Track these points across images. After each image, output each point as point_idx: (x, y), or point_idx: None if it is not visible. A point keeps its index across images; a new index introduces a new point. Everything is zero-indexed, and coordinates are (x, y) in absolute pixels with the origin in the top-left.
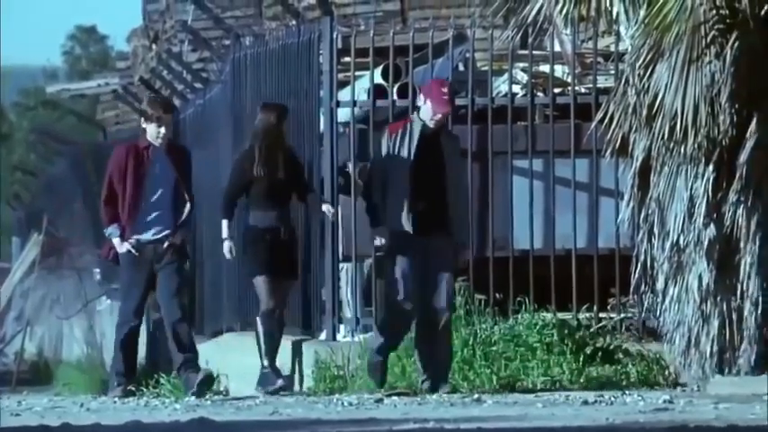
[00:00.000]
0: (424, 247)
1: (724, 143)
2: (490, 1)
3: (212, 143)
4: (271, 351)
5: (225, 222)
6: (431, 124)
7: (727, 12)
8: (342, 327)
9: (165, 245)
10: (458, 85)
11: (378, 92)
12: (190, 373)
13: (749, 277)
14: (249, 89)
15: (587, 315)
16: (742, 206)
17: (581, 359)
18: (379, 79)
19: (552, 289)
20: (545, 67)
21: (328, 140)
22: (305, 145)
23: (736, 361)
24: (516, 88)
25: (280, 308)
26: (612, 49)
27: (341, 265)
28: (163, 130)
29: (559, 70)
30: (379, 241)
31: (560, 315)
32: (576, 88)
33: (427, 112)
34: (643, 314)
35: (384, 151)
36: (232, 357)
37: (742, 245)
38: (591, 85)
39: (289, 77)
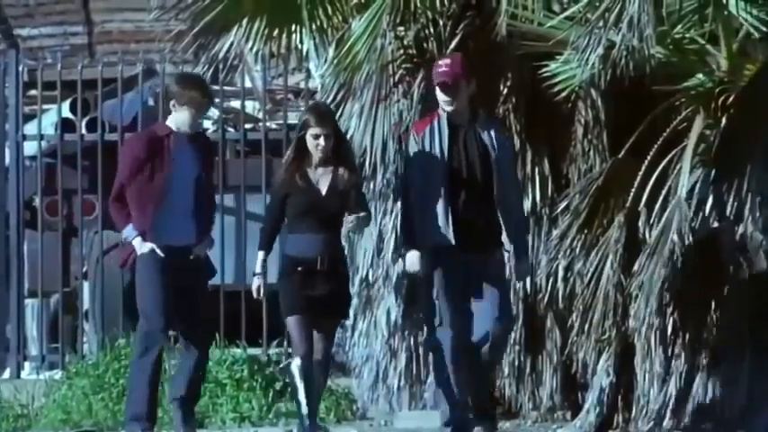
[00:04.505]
0: (468, 261)
1: None
2: (180, 37)
3: None
4: (310, 404)
5: (261, 254)
6: (448, 111)
7: (415, 51)
8: (27, 364)
9: (191, 257)
10: (148, 120)
11: (66, 126)
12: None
13: None
14: None
15: (277, 350)
16: None
17: (270, 395)
18: (67, 113)
19: (243, 324)
20: (236, 103)
21: (14, 174)
22: None
23: (422, 395)
24: (207, 123)
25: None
26: (303, 85)
27: (26, 301)
28: (195, 115)
29: (250, 106)
30: (413, 267)
31: (250, 351)
32: (267, 124)
33: (439, 98)
34: (333, 349)
35: (413, 156)
36: None
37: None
38: (282, 122)
39: None
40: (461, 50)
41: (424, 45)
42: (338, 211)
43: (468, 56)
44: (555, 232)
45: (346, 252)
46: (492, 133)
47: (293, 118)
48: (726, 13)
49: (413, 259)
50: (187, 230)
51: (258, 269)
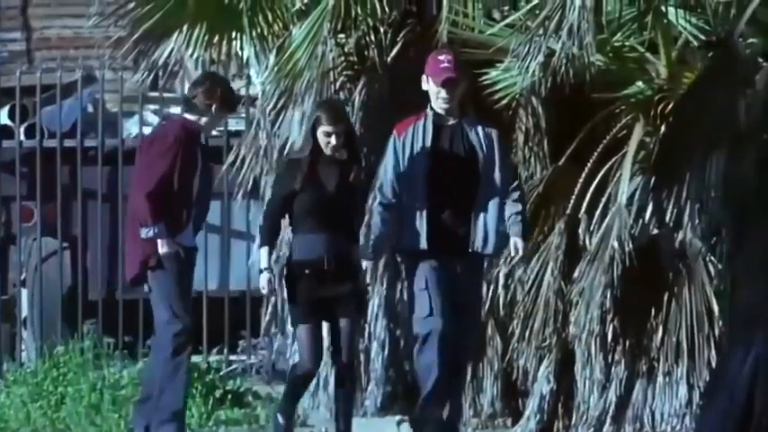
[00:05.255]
0: (448, 269)
1: None
2: (120, 43)
3: None
4: (293, 413)
5: (264, 251)
6: (441, 109)
7: (356, 58)
8: None
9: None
10: (87, 126)
11: (4, 132)
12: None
13: (377, 319)
14: None
15: (218, 358)
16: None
17: (210, 402)
18: (5, 119)
19: None
20: (176, 110)
21: None
22: None
23: (363, 403)
24: (147, 130)
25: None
26: (243, 92)
27: None
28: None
29: None
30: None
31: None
32: None
33: (432, 94)
34: (273, 356)
35: (392, 159)
36: None
37: (371, 287)
38: (222, 128)
39: None
40: (402, 58)
41: (365, 52)
42: (346, 209)
43: (409, 63)
44: None
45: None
46: (479, 132)
47: (234, 125)
48: (665, 21)
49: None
50: (196, 230)
51: (264, 264)
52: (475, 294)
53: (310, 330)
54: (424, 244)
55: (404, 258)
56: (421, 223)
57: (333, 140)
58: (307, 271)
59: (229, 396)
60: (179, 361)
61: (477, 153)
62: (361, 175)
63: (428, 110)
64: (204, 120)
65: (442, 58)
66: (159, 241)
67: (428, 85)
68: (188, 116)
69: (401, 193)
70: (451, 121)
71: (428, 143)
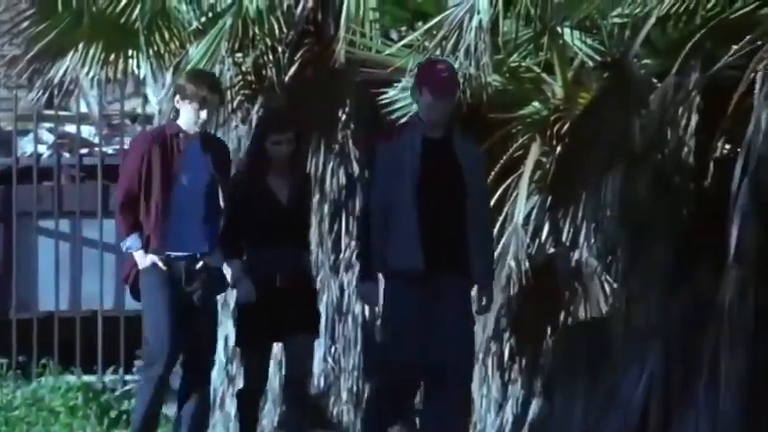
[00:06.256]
0: (434, 288)
1: None
2: (15, 62)
3: None
4: None
5: (234, 263)
6: (431, 121)
7: (254, 78)
8: None
9: (199, 265)
10: None
11: None
12: None
13: None
14: None
15: (113, 377)
16: None
17: (106, 423)
18: None
19: (78, 351)
20: (71, 128)
21: None
22: None
23: (261, 421)
24: (42, 148)
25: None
26: (139, 110)
27: None
28: (204, 114)
29: (86, 131)
30: (371, 299)
31: (86, 378)
32: (103, 149)
33: (425, 105)
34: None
35: (379, 169)
36: None
37: None
38: (118, 146)
39: None
40: (300, 77)
41: (263, 72)
42: (299, 221)
43: (306, 82)
44: None
45: None
46: (468, 150)
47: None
48: (561, 42)
49: (370, 292)
50: (196, 238)
51: (232, 276)
52: (468, 321)
53: (252, 353)
54: (419, 264)
55: (386, 279)
56: (413, 241)
57: (283, 149)
58: (258, 287)
59: (125, 416)
60: (146, 378)
61: (464, 168)
62: (310, 186)
63: (414, 118)
64: (203, 115)
65: (439, 67)
66: (135, 255)
67: (421, 96)
68: (179, 122)
69: (386, 207)
70: (440, 134)
71: (417, 157)
